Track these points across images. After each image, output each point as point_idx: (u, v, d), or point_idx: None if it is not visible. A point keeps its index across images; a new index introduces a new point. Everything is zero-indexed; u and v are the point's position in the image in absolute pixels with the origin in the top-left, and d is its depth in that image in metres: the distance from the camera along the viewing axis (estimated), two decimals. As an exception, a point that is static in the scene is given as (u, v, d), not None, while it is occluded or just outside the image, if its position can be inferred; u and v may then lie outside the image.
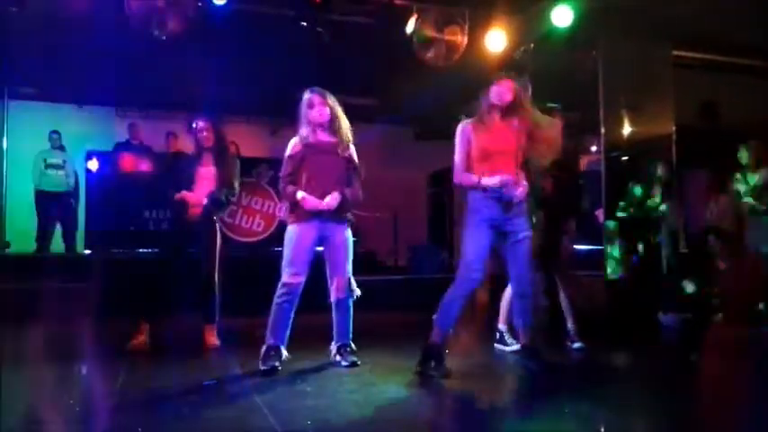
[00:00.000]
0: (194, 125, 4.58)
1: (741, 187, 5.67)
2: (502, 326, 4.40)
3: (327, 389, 3.32)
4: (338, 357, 3.84)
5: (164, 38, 5.64)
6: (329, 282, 3.84)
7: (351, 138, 3.87)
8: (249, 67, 7.16)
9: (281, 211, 6.57)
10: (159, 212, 7.44)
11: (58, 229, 7.93)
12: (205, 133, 4.53)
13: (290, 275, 3.65)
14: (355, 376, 3.57)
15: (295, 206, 3.72)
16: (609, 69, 6.36)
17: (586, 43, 6.43)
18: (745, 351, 4.64)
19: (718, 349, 4.80)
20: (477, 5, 6.34)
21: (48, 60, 7.02)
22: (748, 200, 5.58)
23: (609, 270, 6.34)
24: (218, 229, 4.59)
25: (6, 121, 8.30)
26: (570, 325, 4.42)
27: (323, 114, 3.76)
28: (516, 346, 4.32)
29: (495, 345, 4.41)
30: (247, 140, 8.81)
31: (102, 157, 7.91)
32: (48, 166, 7.83)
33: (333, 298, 3.83)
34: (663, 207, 6.22)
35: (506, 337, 4.38)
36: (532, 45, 6.65)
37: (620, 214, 6.48)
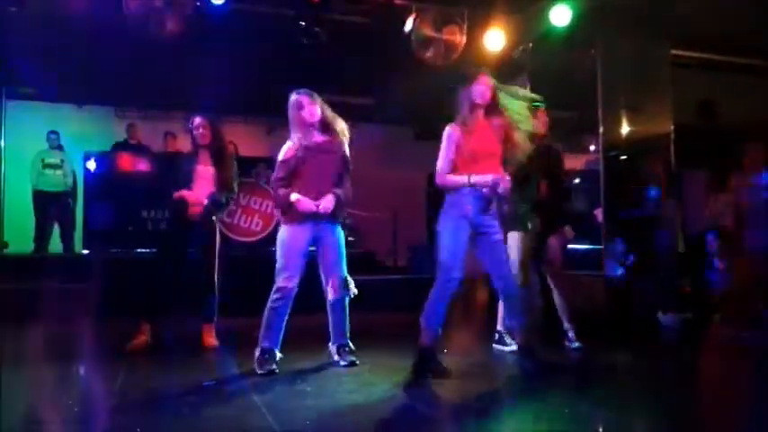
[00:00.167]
0: (191, 122, 4.58)
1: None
2: (500, 326, 4.40)
3: (326, 389, 3.32)
4: (337, 357, 3.84)
5: (162, 38, 5.63)
6: (324, 282, 3.82)
7: (347, 134, 3.86)
8: (247, 67, 7.15)
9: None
10: (157, 212, 7.43)
11: (56, 229, 7.92)
12: (201, 130, 4.53)
13: (285, 279, 3.64)
14: (354, 376, 3.57)
15: (288, 208, 3.69)
16: (607, 68, 6.35)
17: (585, 42, 6.42)
18: (744, 351, 4.64)
19: (717, 349, 4.80)
20: (475, 5, 6.34)
21: (46, 60, 7.00)
22: None
23: (608, 270, 6.34)
24: (217, 228, 4.59)
25: (4, 121, 8.28)
26: (566, 325, 4.42)
27: (314, 114, 3.76)
28: (515, 347, 4.33)
29: (494, 345, 4.41)
30: (245, 140, 8.81)
31: (100, 157, 7.90)
32: (46, 165, 7.83)
33: (329, 298, 3.81)
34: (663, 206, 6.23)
35: (505, 338, 4.38)
36: (531, 44, 6.65)
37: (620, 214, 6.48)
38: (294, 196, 3.64)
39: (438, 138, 3.69)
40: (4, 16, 5.71)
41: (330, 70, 7.11)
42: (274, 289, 3.67)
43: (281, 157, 3.77)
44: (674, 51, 6.66)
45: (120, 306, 4.95)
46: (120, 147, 8.43)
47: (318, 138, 3.79)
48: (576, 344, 4.35)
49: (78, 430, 2.79)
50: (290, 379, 3.52)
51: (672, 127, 6.43)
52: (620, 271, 6.23)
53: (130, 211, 7.51)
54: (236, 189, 4.65)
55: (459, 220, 3.55)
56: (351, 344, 3.90)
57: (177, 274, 4.49)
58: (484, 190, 3.55)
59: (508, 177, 3.55)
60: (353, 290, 3.82)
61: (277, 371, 3.60)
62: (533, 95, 4.01)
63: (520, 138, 3.65)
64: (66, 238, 7.91)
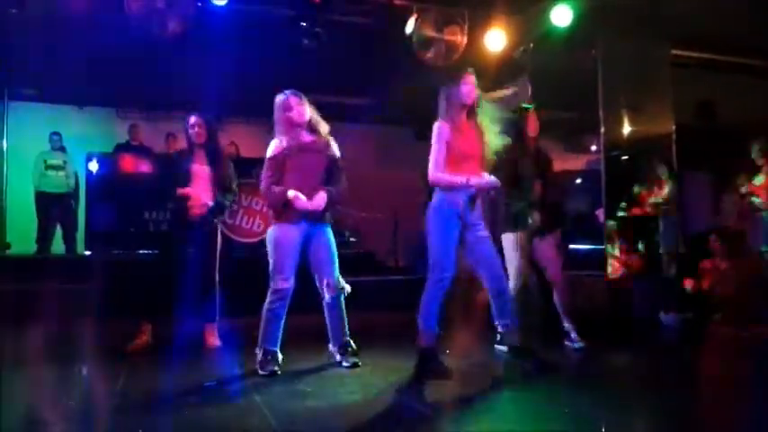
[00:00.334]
0: (186, 121, 4.59)
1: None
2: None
3: (327, 389, 3.33)
4: (339, 358, 3.83)
5: (164, 38, 5.63)
6: (318, 282, 3.79)
7: (329, 137, 3.86)
8: (249, 68, 7.16)
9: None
10: (159, 213, 7.44)
11: (59, 230, 7.93)
12: (197, 129, 4.54)
13: (281, 281, 3.63)
14: (355, 377, 3.57)
15: (282, 206, 3.67)
16: (608, 68, 6.36)
17: (585, 43, 6.43)
18: (745, 351, 4.64)
19: (718, 349, 4.80)
20: (476, 5, 6.34)
21: (48, 61, 7.02)
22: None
23: (609, 270, 6.34)
24: (218, 229, 4.60)
25: (7, 122, 8.30)
26: (567, 325, 4.42)
27: (303, 114, 3.76)
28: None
29: (495, 345, 4.41)
30: (247, 141, 8.80)
31: (102, 158, 7.91)
32: (48, 167, 7.83)
33: (325, 297, 3.78)
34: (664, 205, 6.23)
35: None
36: (532, 45, 6.65)
37: (620, 213, 6.48)
38: (291, 193, 3.62)
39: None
40: (5, 17, 5.71)
41: (331, 70, 7.11)
42: (271, 291, 3.66)
43: (269, 153, 3.75)
44: (674, 51, 6.67)
45: (121, 307, 4.96)
46: (122, 148, 8.44)
47: (306, 138, 3.79)
48: (579, 344, 4.35)
49: (79, 431, 2.80)
50: (291, 380, 3.53)
51: (673, 127, 6.43)
52: (620, 271, 6.24)
53: (132, 213, 7.51)
54: (235, 189, 4.65)
55: (451, 219, 3.54)
56: (353, 342, 3.88)
57: (178, 275, 4.49)
58: (473, 189, 3.56)
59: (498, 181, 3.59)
60: (348, 287, 3.81)
61: (279, 372, 3.60)
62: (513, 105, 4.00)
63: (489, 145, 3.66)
64: (69, 239, 7.92)
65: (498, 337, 4.40)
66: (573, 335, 4.39)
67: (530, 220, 4.30)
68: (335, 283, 3.76)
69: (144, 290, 4.57)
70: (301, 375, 3.63)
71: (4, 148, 8.24)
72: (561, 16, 6.02)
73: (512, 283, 4.28)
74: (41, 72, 7.54)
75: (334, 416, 2.86)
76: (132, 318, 4.51)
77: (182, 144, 7.18)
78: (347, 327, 3.88)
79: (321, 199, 3.68)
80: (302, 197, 3.63)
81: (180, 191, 4.45)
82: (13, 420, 2.84)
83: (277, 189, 3.68)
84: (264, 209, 7.64)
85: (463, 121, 3.63)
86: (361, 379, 3.52)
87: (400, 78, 7.17)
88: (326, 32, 6.08)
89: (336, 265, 3.80)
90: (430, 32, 6.23)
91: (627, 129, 6.48)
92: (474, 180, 3.54)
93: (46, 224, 7.79)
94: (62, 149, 7.99)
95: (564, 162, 8.14)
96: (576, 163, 8.06)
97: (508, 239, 4.37)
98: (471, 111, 3.66)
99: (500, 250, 4.11)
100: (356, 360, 3.80)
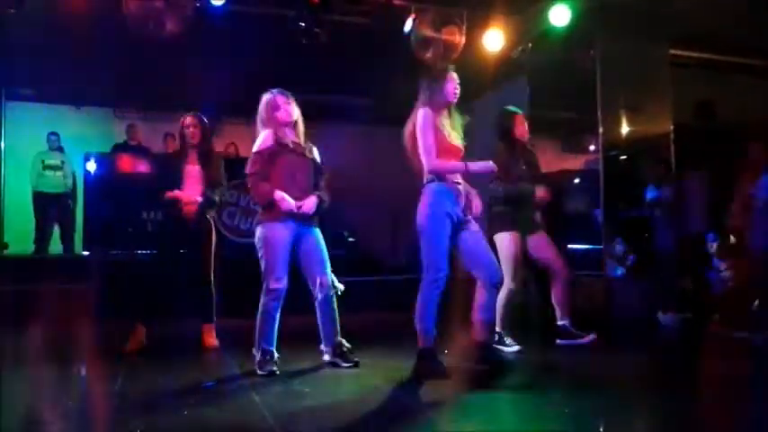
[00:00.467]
0: (181, 121, 4.59)
1: None
2: (499, 327, 4.40)
3: (326, 389, 3.33)
4: (334, 359, 3.79)
5: (162, 38, 5.63)
6: (310, 281, 3.76)
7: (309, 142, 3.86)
8: (247, 68, 7.15)
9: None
10: (157, 213, 7.42)
11: (56, 230, 7.91)
12: (192, 129, 4.54)
13: (275, 281, 3.61)
14: (354, 377, 3.57)
15: (269, 205, 3.64)
16: (607, 68, 6.36)
17: (584, 43, 6.43)
18: (744, 351, 4.64)
19: (717, 349, 4.80)
20: (474, 5, 6.34)
21: (46, 61, 7.00)
22: None
23: (608, 269, 6.34)
24: (212, 227, 4.59)
25: (4, 123, 8.28)
26: (563, 322, 4.42)
27: (290, 114, 3.75)
28: (516, 347, 4.33)
29: (495, 346, 4.40)
30: (247, 141, 8.75)
31: (100, 158, 7.89)
32: (46, 167, 7.82)
33: (318, 297, 3.74)
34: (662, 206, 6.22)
35: (505, 338, 4.37)
36: (530, 44, 6.65)
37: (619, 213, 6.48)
38: (279, 194, 3.58)
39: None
40: (2, 17, 5.70)
41: (330, 71, 7.11)
42: (265, 291, 3.64)
43: (255, 148, 3.71)
44: (672, 51, 6.67)
45: (120, 307, 4.95)
46: (120, 148, 8.42)
47: (292, 138, 3.77)
48: (584, 339, 4.35)
49: (78, 431, 2.79)
50: (290, 380, 3.52)
51: (671, 127, 6.43)
52: (620, 271, 6.24)
53: (131, 213, 7.50)
54: (224, 185, 4.65)
55: (444, 217, 3.49)
56: (345, 342, 3.84)
57: (173, 275, 4.48)
58: (459, 186, 3.55)
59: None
60: (340, 286, 3.78)
61: (277, 372, 3.59)
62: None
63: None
64: (67, 239, 7.91)
65: (496, 337, 4.40)
66: (572, 330, 4.39)
67: (530, 221, 4.31)
68: (328, 281, 3.74)
69: (138, 290, 4.54)
70: (300, 375, 3.62)
71: (2, 149, 8.22)
72: (560, 16, 6.02)
73: (506, 284, 4.27)
74: (39, 72, 7.53)
75: (334, 416, 2.85)
76: (129, 318, 4.50)
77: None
78: (339, 327, 3.84)
79: (311, 203, 3.68)
80: (289, 199, 3.60)
81: (169, 194, 4.44)
82: (12, 420, 2.83)
83: (265, 187, 3.64)
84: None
85: (444, 118, 3.62)
86: (359, 379, 3.52)
87: (400, 79, 7.16)
88: (325, 33, 6.07)
89: (328, 263, 3.78)
90: (428, 32, 6.23)
91: (625, 129, 6.48)
92: (472, 165, 3.52)
93: (44, 224, 7.78)
94: (60, 149, 7.98)
95: (562, 162, 8.15)
96: (575, 163, 8.05)
97: (502, 240, 4.35)
98: (450, 110, 3.65)
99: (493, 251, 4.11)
100: (356, 359, 3.78)
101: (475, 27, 6.43)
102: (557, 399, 3.15)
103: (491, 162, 3.56)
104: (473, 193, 3.63)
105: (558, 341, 4.46)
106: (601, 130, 6.40)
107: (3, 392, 3.30)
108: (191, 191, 4.47)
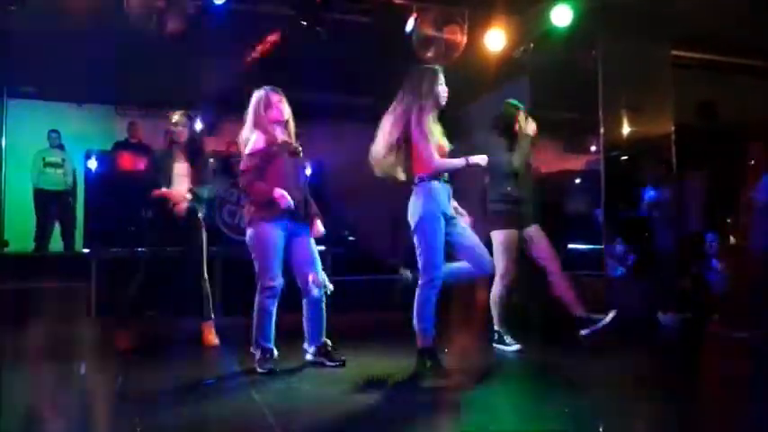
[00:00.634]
0: (169, 119, 4.59)
1: None
2: (498, 326, 4.39)
3: (325, 388, 3.33)
4: (321, 358, 3.78)
5: (163, 36, 5.63)
6: (300, 280, 3.74)
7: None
8: (248, 67, 7.14)
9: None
10: (148, 212, 7.40)
11: (57, 227, 7.91)
12: (180, 128, 4.55)
13: (271, 279, 3.62)
14: (354, 376, 3.56)
15: (266, 204, 3.61)
16: (608, 69, 6.35)
17: (586, 43, 6.42)
18: (744, 351, 4.64)
19: (717, 349, 4.80)
20: (476, 5, 6.32)
21: (47, 59, 7.00)
22: None
23: (608, 269, 6.34)
24: (202, 225, 4.58)
25: (5, 120, 8.28)
26: (580, 314, 4.36)
27: (284, 112, 3.74)
28: (516, 346, 4.32)
29: (494, 345, 4.41)
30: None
31: (101, 155, 7.89)
32: (46, 164, 7.82)
33: (308, 296, 3.73)
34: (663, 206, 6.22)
35: (505, 337, 4.37)
36: (532, 44, 6.64)
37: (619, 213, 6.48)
38: (278, 191, 3.56)
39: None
40: (4, 14, 5.70)
41: (331, 70, 7.10)
42: (260, 289, 3.64)
43: (249, 150, 3.67)
44: (674, 52, 6.66)
45: (120, 305, 4.95)
46: (121, 145, 8.42)
47: (283, 137, 3.75)
48: (606, 318, 4.31)
49: (78, 430, 2.79)
50: (290, 378, 3.52)
51: (673, 127, 6.43)
52: (620, 271, 6.23)
53: (131, 210, 7.48)
54: (212, 182, 4.66)
55: (440, 216, 3.50)
56: (329, 342, 3.82)
57: (163, 273, 4.48)
58: (447, 184, 3.57)
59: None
60: (330, 286, 3.77)
61: (277, 370, 3.59)
62: None
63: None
64: (67, 236, 7.91)
65: (496, 336, 4.41)
66: (591, 317, 4.35)
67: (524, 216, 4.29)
68: (320, 279, 3.73)
69: (131, 288, 4.55)
70: (299, 373, 3.63)
71: (3, 146, 8.23)
72: (561, 16, 6.01)
73: (500, 282, 4.27)
74: (40, 69, 7.52)
75: (333, 414, 2.85)
76: (123, 317, 4.51)
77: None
78: (325, 327, 3.82)
79: (320, 227, 3.80)
80: (288, 197, 3.58)
81: (156, 192, 4.44)
82: (12, 420, 2.83)
83: (262, 185, 3.62)
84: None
85: (433, 118, 3.61)
86: (359, 378, 3.51)
87: (400, 78, 7.15)
88: (326, 31, 6.07)
89: (319, 262, 3.78)
90: (430, 32, 6.22)
91: (627, 129, 6.48)
92: (471, 159, 3.55)
93: (44, 222, 7.78)
94: (60, 147, 7.97)
95: (563, 162, 8.13)
96: (576, 163, 8.03)
97: (497, 237, 4.34)
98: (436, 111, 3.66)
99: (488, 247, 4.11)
100: (342, 358, 3.77)
101: (476, 26, 6.42)
102: (557, 399, 3.15)
103: (485, 156, 3.58)
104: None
105: (581, 333, 4.34)
106: (602, 130, 6.39)
107: (2, 392, 3.31)
108: (179, 188, 4.48)
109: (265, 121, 3.70)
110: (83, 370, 4.03)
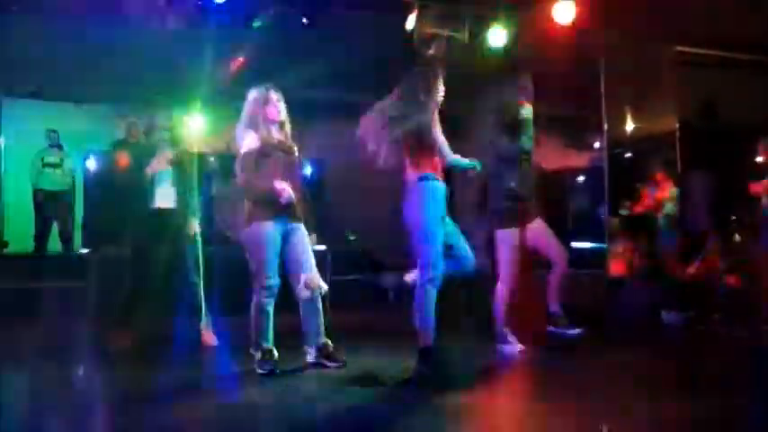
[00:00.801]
0: (156, 120, 4.60)
1: None
2: (501, 325, 4.35)
3: (325, 388, 3.32)
4: (321, 359, 3.74)
5: (163, 35, 5.62)
6: (293, 279, 3.71)
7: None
8: (248, 67, 7.12)
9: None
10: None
11: (56, 228, 7.89)
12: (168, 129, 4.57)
13: (269, 279, 3.59)
14: (354, 376, 3.53)
15: (261, 202, 3.59)
16: (611, 66, 6.33)
17: (589, 40, 6.38)
18: (745, 350, 4.61)
19: (719, 348, 4.78)
20: (478, 2, 6.30)
21: (45, 58, 6.97)
22: None
23: (611, 268, 6.31)
24: (195, 226, 4.57)
25: (3, 120, 8.26)
26: (555, 310, 4.30)
27: (279, 111, 3.72)
28: (519, 346, 4.27)
29: (497, 344, 4.36)
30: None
31: (100, 155, 7.86)
32: (45, 164, 7.80)
33: (302, 296, 3.70)
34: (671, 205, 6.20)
35: (507, 337, 4.32)
36: (534, 42, 6.60)
37: (622, 212, 6.46)
38: (279, 184, 3.52)
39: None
40: (3, 15, 5.68)
41: (332, 67, 7.07)
42: (258, 290, 3.61)
43: (245, 148, 3.64)
44: (678, 48, 6.62)
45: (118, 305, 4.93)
46: (120, 145, 8.39)
47: (279, 137, 3.73)
48: (574, 331, 4.24)
49: (78, 430, 2.77)
50: (290, 378, 3.52)
51: (677, 125, 6.40)
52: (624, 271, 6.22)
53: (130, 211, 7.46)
54: (195, 186, 4.65)
55: (440, 218, 3.49)
56: (330, 342, 3.79)
57: (152, 274, 4.46)
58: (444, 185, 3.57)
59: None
60: (324, 286, 3.74)
61: (277, 370, 3.56)
62: None
63: None
64: (66, 237, 7.88)
65: (499, 335, 4.36)
66: (562, 318, 4.29)
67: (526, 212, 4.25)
68: (313, 280, 3.69)
69: (124, 290, 4.58)
70: (299, 374, 3.62)
71: (2, 146, 8.20)
72: (564, 13, 5.97)
73: (500, 285, 4.22)
74: (39, 69, 7.50)
75: (333, 415, 2.84)
76: (117, 318, 4.53)
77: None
78: (323, 326, 3.79)
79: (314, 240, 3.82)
80: (289, 189, 3.55)
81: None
82: (11, 420, 2.81)
83: (261, 182, 3.59)
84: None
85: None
86: (359, 378, 3.49)
87: (400, 76, 7.12)
88: (327, 29, 6.04)
89: (313, 262, 3.74)
90: (431, 29, 6.19)
91: (630, 126, 6.46)
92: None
93: (43, 222, 7.76)
94: (59, 147, 7.95)
95: (567, 159, 8.11)
96: (579, 160, 8.02)
97: (503, 237, 4.26)
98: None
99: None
100: (343, 359, 3.74)
101: (479, 24, 6.39)
102: (557, 399, 3.12)
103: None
104: None
105: (549, 327, 4.31)
106: (605, 127, 6.37)
107: (2, 392, 3.29)
108: (168, 189, 4.49)
109: (261, 120, 3.68)
110: (81, 371, 4.01)
